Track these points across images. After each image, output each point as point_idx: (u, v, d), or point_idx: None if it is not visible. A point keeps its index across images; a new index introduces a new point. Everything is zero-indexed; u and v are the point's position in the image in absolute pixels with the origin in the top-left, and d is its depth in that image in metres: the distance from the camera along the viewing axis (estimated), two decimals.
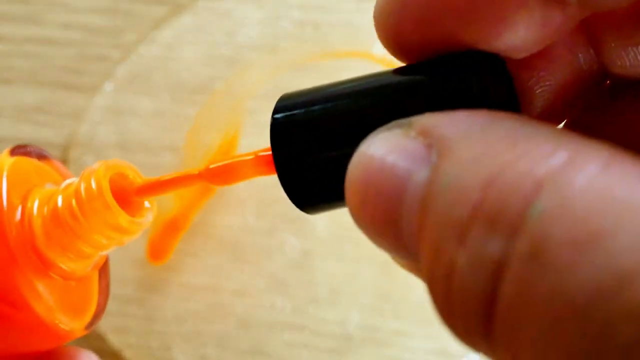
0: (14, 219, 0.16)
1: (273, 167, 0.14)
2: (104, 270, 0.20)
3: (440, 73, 0.12)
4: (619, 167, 0.08)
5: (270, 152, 0.13)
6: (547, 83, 0.13)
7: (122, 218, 0.17)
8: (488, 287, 0.08)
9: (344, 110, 0.13)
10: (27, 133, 0.33)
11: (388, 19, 0.13)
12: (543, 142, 0.09)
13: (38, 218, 0.17)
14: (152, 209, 0.18)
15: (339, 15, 0.34)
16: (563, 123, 0.15)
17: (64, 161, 0.33)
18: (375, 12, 0.13)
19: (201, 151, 0.32)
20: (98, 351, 0.32)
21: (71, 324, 0.18)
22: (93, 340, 0.31)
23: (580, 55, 0.14)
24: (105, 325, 0.31)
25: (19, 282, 0.16)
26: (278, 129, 0.13)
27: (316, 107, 0.13)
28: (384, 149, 0.11)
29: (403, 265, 0.11)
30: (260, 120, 0.33)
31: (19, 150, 0.18)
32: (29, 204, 0.17)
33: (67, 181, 0.17)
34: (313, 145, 0.13)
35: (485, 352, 0.09)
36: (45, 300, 0.17)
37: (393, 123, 0.11)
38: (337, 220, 0.31)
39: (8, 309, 0.16)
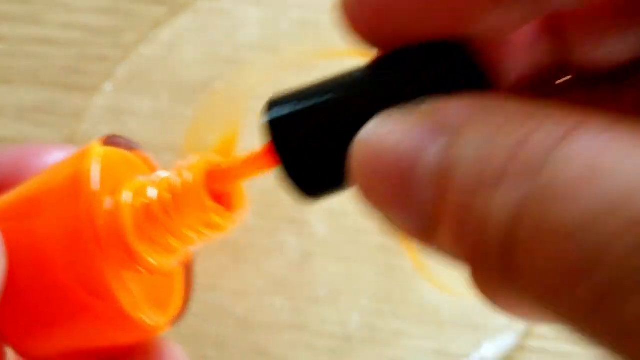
0: (103, 208, 0.16)
1: (274, 161, 0.14)
2: (189, 266, 0.20)
3: (418, 62, 0.13)
4: (620, 125, 0.10)
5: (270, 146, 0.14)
6: (512, 69, 0.15)
7: (216, 214, 0.16)
8: (514, 223, 0.10)
9: (334, 100, 0.14)
10: (27, 133, 0.33)
11: (358, 11, 0.14)
12: (553, 113, 0.11)
13: (128, 209, 0.16)
14: (243, 206, 0.17)
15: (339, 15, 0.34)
16: None
17: None
18: (342, 4, 0.14)
19: (201, 151, 0.32)
20: None
21: (156, 319, 0.17)
22: None
23: (543, 45, 0.15)
24: None
25: (106, 272, 0.16)
26: (276, 121, 0.14)
27: (309, 100, 0.14)
28: (387, 130, 0.12)
29: (407, 234, 0.12)
30: (259, 120, 0.33)
31: (110, 140, 0.18)
32: (119, 195, 0.17)
33: (159, 174, 0.17)
34: (312, 132, 0.14)
35: (511, 295, 0.11)
36: (130, 292, 0.16)
37: (391, 110, 0.12)
38: (337, 221, 0.31)
39: (93, 300, 0.16)
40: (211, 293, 0.31)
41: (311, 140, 0.14)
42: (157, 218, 0.16)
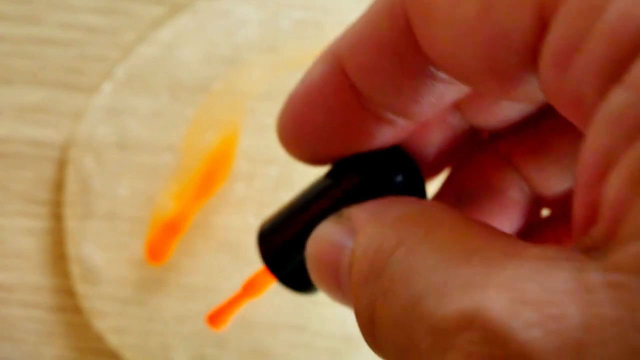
0: None
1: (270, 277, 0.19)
2: None
3: (359, 173, 0.17)
4: (435, 236, 0.13)
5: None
6: (432, 147, 0.18)
7: None
8: (370, 310, 0.14)
9: (300, 218, 0.18)
10: (26, 133, 0.33)
11: (292, 142, 0.18)
12: (388, 229, 0.14)
13: None
14: None
15: (339, 15, 0.34)
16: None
17: (64, 161, 0.33)
18: (279, 135, 0.18)
19: (200, 151, 0.32)
20: (97, 352, 0.32)
21: None
22: (92, 340, 0.31)
23: (451, 119, 0.18)
24: (104, 326, 0.31)
25: None
26: (266, 249, 0.19)
27: (282, 222, 0.19)
28: (324, 232, 0.16)
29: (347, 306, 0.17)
30: (260, 120, 0.33)
31: None
32: None
33: None
34: (289, 246, 0.18)
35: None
36: None
37: (331, 216, 0.16)
38: None
39: None
40: (211, 293, 0.31)
41: (290, 255, 0.18)
42: None
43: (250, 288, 0.22)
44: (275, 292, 0.32)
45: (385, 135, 0.16)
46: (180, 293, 0.31)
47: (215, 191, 0.32)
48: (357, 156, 0.17)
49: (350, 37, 0.16)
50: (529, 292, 0.10)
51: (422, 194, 0.17)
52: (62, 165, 0.33)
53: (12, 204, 0.33)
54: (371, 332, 0.13)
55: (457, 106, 0.18)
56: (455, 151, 0.18)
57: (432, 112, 0.16)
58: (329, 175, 0.18)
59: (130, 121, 0.33)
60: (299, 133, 0.17)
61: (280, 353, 0.31)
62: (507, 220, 0.18)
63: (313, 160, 0.18)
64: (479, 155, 0.18)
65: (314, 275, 0.16)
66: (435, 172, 0.19)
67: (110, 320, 0.31)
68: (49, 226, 0.33)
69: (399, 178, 0.17)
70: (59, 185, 0.33)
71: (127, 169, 0.32)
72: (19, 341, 0.32)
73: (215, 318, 0.29)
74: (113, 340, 0.31)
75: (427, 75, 0.15)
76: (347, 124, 0.16)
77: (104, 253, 0.32)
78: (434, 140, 0.18)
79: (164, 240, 0.31)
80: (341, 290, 0.15)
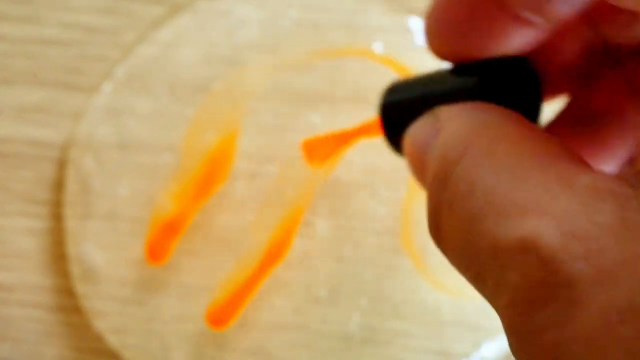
0: None
1: (379, 129, 0.21)
2: None
3: (476, 75, 0.18)
4: (499, 148, 0.15)
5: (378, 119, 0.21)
6: (557, 59, 0.19)
7: None
8: (437, 217, 0.15)
9: (417, 101, 0.20)
10: (26, 133, 0.33)
11: (434, 36, 0.19)
12: (460, 137, 0.15)
13: None
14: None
15: (339, 15, 0.34)
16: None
17: (64, 161, 0.33)
18: (425, 29, 0.19)
19: (200, 151, 0.32)
20: (97, 352, 0.32)
21: None
22: (92, 340, 0.31)
23: (586, 34, 0.18)
24: (104, 326, 0.31)
25: None
26: (386, 105, 0.21)
27: (406, 93, 0.20)
28: (415, 128, 0.18)
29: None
30: (259, 120, 0.33)
31: None
32: None
33: None
34: (403, 110, 0.20)
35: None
36: None
37: (428, 113, 0.18)
38: (337, 221, 0.31)
39: None
40: (211, 293, 0.31)
41: (402, 119, 0.19)
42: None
43: (363, 130, 0.25)
44: (275, 292, 0.32)
45: (522, 37, 0.17)
46: (180, 293, 0.31)
47: (215, 191, 0.32)
48: (486, 60, 0.18)
49: None
50: (577, 226, 0.12)
51: (535, 110, 0.18)
52: (62, 165, 0.33)
53: (12, 204, 0.33)
54: (438, 236, 0.15)
55: (593, 19, 0.18)
56: (584, 71, 0.19)
57: (568, 10, 0.16)
58: (455, 71, 0.19)
59: (130, 121, 0.33)
60: (444, 29, 0.18)
61: (280, 353, 0.31)
62: (625, 143, 0.19)
63: (453, 57, 0.19)
64: (603, 78, 0.19)
65: (406, 155, 0.18)
66: (559, 90, 0.20)
67: (110, 320, 0.31)
68: (49, 226, 0.33)
69: (513, 89, 0.17)
70: (59, 185, 0.33)
71: (127, 169, 0.32)
72: (19, 341, 0.32)
73: (219, 315, 0.29)
74: (113, 340, 0.31)
75: None
76: (487, 22, 0.17)
77: (104, 253, 0.32)
78: (564, 55, 0.19)
79: (164, 240, 0.31)
80: (423, 173, 0.17)
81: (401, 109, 0.20)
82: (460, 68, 0.19)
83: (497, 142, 0.14)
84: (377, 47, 0.33)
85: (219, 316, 0.30)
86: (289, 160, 0.32)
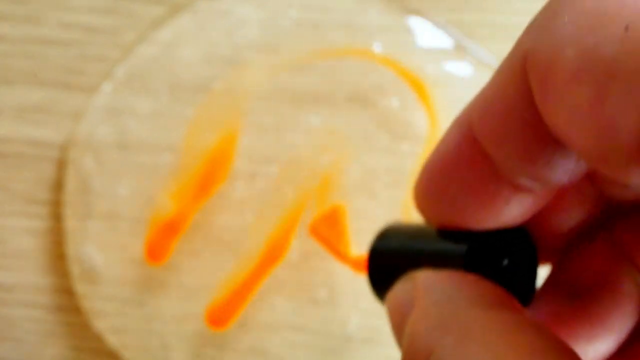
0: None
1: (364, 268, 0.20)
2: None
3: (470, 241, 0.17)
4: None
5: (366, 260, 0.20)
6: (553, 225, 0.18)
7: None
8: None
9: (405, 254, 0.19)
10: (26, 133, 0.33)
11: (425, 205, 0.18)
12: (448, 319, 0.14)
13: None
14: None
15: (339, 15, 0.34)
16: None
17: (64, 161, 0.33)
18: (415, 197, 0.18)
19: (200, 151, 0.32)
20: (96, 351, 0.32)
21: None
22: (91, 340, 0.32)
23: (588, 193, 0.17)
24: (104, 326, 0.31)
25: None
26: (375, 252, 0.20)
27: (396, 242, 0.20)
28: (395, 292, 0.17)
29: None
30: (259, 120, 0.33)
31: None
32: None
33: None
34: (389, 261, 0.19)
35: None
36: None
37: (408, 275, 0.17)
38: None
39: None
40: (211, 293, 0.31)
41: (387, 269, 0.19)
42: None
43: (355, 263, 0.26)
44: (275, 292, 0.32)
45: (522, 204, 0.16)
46: (180, 293, 0.31)
47: (215, 191, 0.32)
48: (481, 232, 0.17)
49: (480, 102, 0.15)
50: None
51: (529, 288, 0.17)
52: (62, 165, 0.33)
53: (12, 204, 0.33)
54: None
55: (594, 178, 0.17)
56: (581, 233, 0.18)
57: (568, 177, 0.15)
58: (449, 235, 0.18)
59: (130, 121, 0.33)
60: (433, 199, 0.17)
61: (280, 353, 0.31)
62: (621, 315, 0.17)
63: (445, 225, 0.17)
64: (592, 244, 0.18)
65: (389, 316, 0.17)
66: (555, 255, 0.18)
67: (109, 320, 0.31)
68: (49, 226, 0.33)
69: (508, 263, 0.17)
70: (59, 185, 0.33)
71: (127, 169, 0.32)
72: (19, 341, 0.32)
73: (218, 315, 0.29)
74: (113, 340, 0.31)
75: (557, 142, 0.14)
76: (482, 192, 0.16)
77: (104, 253, 0.32)
78: (564, 219, 0.18)
79: (163, 240, 0.31)
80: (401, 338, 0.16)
81: (387, 259, 0.19)
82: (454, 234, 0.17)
83: (467, 341, 0.13)
84: (377, 47, 0.33)
85: (219, 316, 0.30)
86: (289, 160, 0.32)
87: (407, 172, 0.32)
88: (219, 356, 0.31)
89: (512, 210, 0.16)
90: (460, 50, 0.33)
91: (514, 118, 0.14)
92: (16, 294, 0.32)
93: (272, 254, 0.30)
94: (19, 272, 0.32)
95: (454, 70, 0.33)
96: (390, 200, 0.32)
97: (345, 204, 0.31)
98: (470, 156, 0.16)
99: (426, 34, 0.33)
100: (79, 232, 0.32)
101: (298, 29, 0.34)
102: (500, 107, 0.14)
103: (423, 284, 0.16)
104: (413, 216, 0.31)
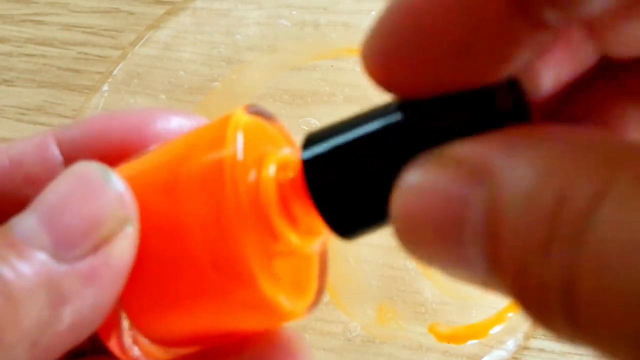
0: (247, 181, 0.15)
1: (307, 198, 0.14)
2: (324, 252, 0.18)
3: (453, 106, 0.13)
4: None
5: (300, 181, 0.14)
6: (553, 72, 0.14)
7: None
8: (570, 289, 0.10)
9: (369, 141, 0.13)
10: (27, 133, 0.33)
11: (378, 59, 0.13)
12: (583, 162, 0.11)
13: (272, 184, 0.15)
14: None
15: (339, 15, 0.34)
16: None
17: None
18: (362, 52, 0.13)
19: None
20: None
21: (293, 305, 0.15)
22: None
23: (579, 46, 0.14)
24: None
25: (247, 248, 0.14)
26: (310, 162, 0.14)
27: (341, 139, 0.14)
28: (429, 181, 0.12)
29: (454, 276, 0.12)
30: None
31: (252, 109, 0.16)
32: (263, 168, 0.15)
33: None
34: (345, 174, 0.14)
35: (571, 337, 0.11)
36: (271, 274, 0.15)
37: (425, 156, 0.12)
38: None
39: (229, 278, 0.14)
40: None
41: (342, 180, 0.14)
42: (302, 195, 0.14)
43: None
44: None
45: (531, 50, 0.12)
46: None
47: None
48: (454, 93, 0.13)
49: None
50: None
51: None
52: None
53: None
54: (569, 309, 0.10)
55: (594, 33, 0.14)
56: (573, 93, 0.15)
57: (600, 8, 0.11)
58: (400, 108, 0.13)
59: None
60: (404, 54, 0.13)
61: None
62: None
63: (397, 84, 0.13)
64: (592, 88, 0.15)
65: (405, 230, 0.12)
66: (544, 111, 0.15)
67: None
68: None
69: (508, 115, 0.13)
70: None
71: None
72: None
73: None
74: None
75: None
76: (487, 33, 0.12)
77: None
78: (556, 76, 0.14)
79: None
80: (461, 254, 0.12)
81: (323, 164, 0.14)
82: (412, 103, 0.13)
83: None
84: None
85: None
86: None
87: None
88: None
89: (521, 57, 0.12)
90: None
91: None
92: None
93: None
94: None
95: None
96: None
97: None
98: None
99: None
100: None
101: (298, 29, 0.34)
102: None
103: (488, 149, 0.12)
104: None
